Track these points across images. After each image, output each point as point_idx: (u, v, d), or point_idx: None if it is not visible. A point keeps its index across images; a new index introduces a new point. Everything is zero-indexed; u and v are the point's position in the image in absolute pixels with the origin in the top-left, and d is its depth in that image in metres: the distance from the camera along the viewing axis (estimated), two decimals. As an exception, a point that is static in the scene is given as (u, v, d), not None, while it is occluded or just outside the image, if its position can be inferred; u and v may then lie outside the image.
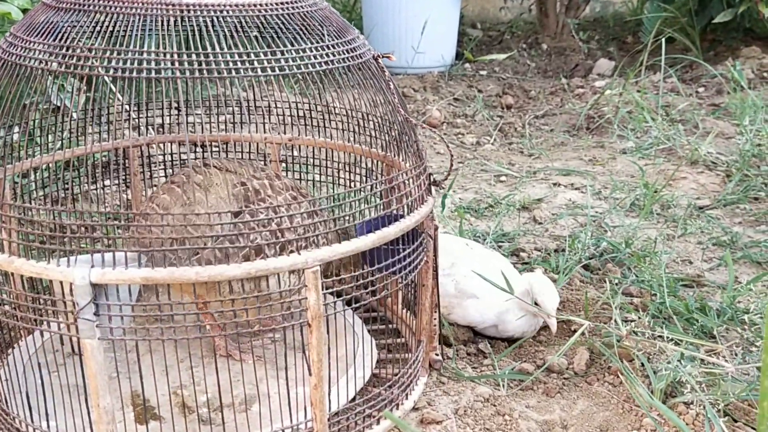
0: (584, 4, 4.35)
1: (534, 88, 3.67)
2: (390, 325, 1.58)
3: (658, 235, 2.01)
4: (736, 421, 1.29)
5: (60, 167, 1.60)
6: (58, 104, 2.04)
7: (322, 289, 1.12)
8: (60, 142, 1.58)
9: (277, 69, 1.13)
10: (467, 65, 4.03)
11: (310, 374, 1.17)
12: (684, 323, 1.55)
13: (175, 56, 1.09)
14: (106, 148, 1.61)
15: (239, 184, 1.26)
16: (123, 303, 1.09)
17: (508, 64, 4.05)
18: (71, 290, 1.07)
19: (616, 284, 1.76)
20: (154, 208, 1.28)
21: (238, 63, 1.11)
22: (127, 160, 1.65)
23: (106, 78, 1.28)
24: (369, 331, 1.52)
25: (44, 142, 1.52)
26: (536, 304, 1.48)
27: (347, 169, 1.61)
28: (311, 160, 1.63)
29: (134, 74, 1.09)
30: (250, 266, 1.09)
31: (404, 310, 1.55)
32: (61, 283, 1.08)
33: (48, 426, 1.21)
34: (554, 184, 2.41)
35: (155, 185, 1.69)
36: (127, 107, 1.66)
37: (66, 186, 1.61)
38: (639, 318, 1.47)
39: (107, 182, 1.68)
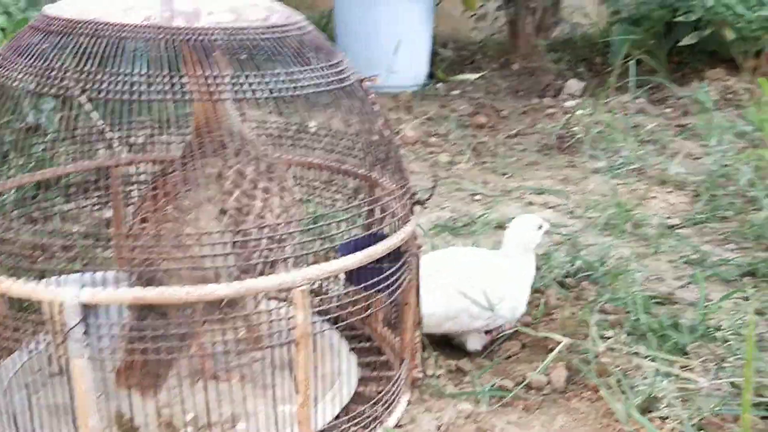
0: (555, 25, 4.42)
1: (506, 107, 3.72)
2: (370, 343, 1.60)
3: (631, 254, 2.05)
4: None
5: (40, 187, 1.60)
6: (36, 122, 2.04)
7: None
8: (36, 161, 1.58)
9: (267, 92, 1.15)
10: (439, 85, 4.08)
11: (297, 392, 1.19)
12: (658, 340, 1.58)
13: (166, 78, 1.11)
14: (87, 167, 1.62)
15: (233, 209, 1.27)
16: (112, 322, 1.10)
17: (479, 83, 4.11)
18: (59, 311, 1.08)
19: (591, 302, 1.80)
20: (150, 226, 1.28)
21: (229, 86, 1.13)
22: (108, 180, 1.66)
23: (82, 99, 1.30)
24: (350, 349, 1.54)
25: (22, 162, 1.53)
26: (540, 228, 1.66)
27: (328, 188, 1.63)
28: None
29: (125, 96, 1.10)
30: (240, 285, 1.11)
31: (385, 329, 1.57)
32: (50, 303, 1.09)
33: (35, 446, 1.22)
34: (528, 203, 2.45)
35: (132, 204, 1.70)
36: (108, 127, 1.67)
37: (45, 206, 1.61)
38: (615, 335, 1.51)
39: (87, 202, 1.69)
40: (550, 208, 2.42)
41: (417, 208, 1.36)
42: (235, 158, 1.34)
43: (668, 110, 3.54)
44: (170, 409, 1.36)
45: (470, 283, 1.59)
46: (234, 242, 1.16)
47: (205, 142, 1.30)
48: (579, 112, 3.27)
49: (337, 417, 1.34)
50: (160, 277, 1.16)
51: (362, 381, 1.47)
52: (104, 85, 1.10)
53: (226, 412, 1.36)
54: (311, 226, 1.20)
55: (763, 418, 1.38)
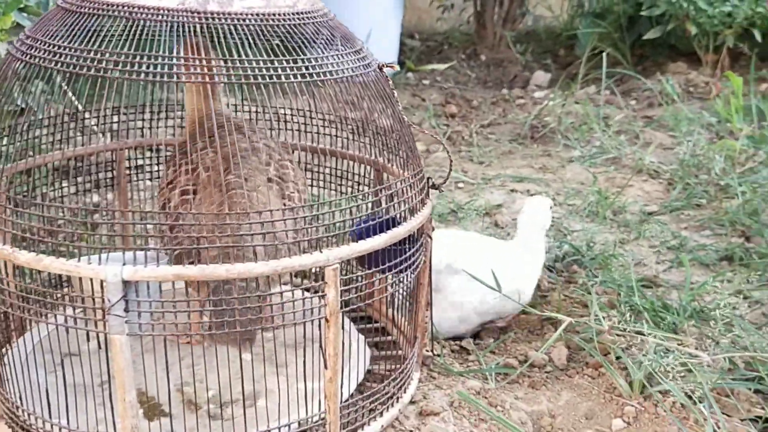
0: (521, 17, 4.50)
1: (476, 98, 3.78)
2: (376, 324, 1.65)
3: (615, 240, 2.13)
4: (710, 408, 1.40)
5: (54, 169, 1.60)
6: (23, 106, 2.03)
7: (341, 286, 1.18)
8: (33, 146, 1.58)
9: (299, 76, 1.18)
10: (410, 75, 4.13)
11: (326, 367, 1.23)
12: (652, 319, 1.66)
13: (204, 62, 1.14)
14: (95, 150, 1.63)
15: (276, 177, 1.32)
16: (153, 299, 1.13)
17: (449, 74, 4.16)
18: (102, 287, 1.10)
19: (582, 285, 1.87)
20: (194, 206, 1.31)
21: (263, 70, 1.16)
22: (114, 163, 1.67)
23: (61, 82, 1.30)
24: (358, 330, 1.59)
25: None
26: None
27: (344, 175, 1.67)
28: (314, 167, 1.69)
29: (164, 78, 1.13)
30: (277, 264, 1.14)
31: (390, 310, 1.62)
32: (91, 280, 1.11)
33: (68, 422, 1.23)
34: (511, 191, 2.52)
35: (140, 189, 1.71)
36: (125, 110, 1.68)
37: (57, 188, 1.61)
38: (615, 315, 1.57)
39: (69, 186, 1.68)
40: (532, 195, 2.49)
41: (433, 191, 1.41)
42: (255, 135, 1.39)
43: (633, 102, 3.64)
44: (191, 387, 1.39)
45: (500, 278, 1.63)
46: (292, 219, 1.21)
47: (215, 124, 1.33)
48: (551, 103, 3.34)
49: (351, 395, 1.39)
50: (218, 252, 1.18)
51: (372, 360, 1.51)
52: (143, 67, 1.12)
53: (244, 390, 1.39)
54: (335, 209, 1.24)
55: (756, 392, 1.46)
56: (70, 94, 1.93)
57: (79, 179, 1.66)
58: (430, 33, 5.09)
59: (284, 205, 1.33)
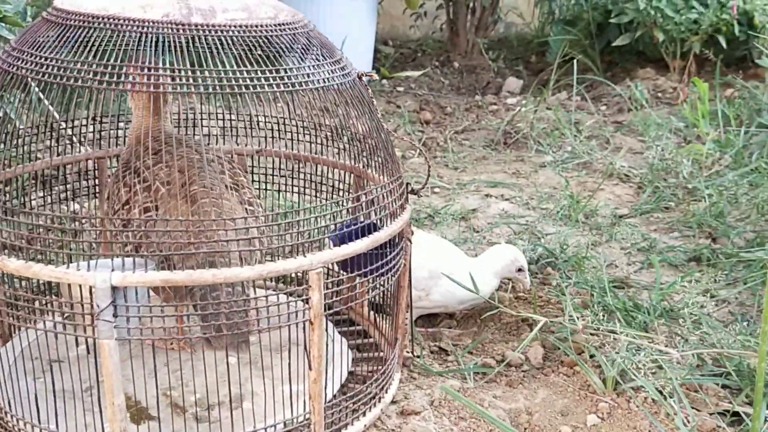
0: (493, 24, 4.57)
1: (449, 104, 3.84)
2: (356, 327, 1.68)
3: (587, 242, 2.18)
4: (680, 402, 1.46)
5: (34, 178, 1.62)
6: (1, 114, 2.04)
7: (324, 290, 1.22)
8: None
9: (282, 86, 1.22)
10: (384, 81, 4.18)
11: (310, 369, 1.26)
12: (624, 318, 1.71)
13: (189, 73, 1.17)
14: (78, 158, 1.65)
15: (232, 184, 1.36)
16: (141, 304, 1.16)
17: (423, 81, 4.22)
18: (90, 293, 1.13)
19: (556, 286, 1.92)
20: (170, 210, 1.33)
21: (247, 81, 1.20)
22: (97, 171, 1.69)
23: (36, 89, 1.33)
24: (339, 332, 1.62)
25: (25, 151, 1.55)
26: (519, 270, 1.71)
27: (324, 180, 1.71)
28: (289, 172, 1.72)
29: (152, 89, 1.16)
30: (263, 268, 1.18)
31: (371, 312, 1.65)
32: (80, 286, 1.13)
33: (57, 427, 1.26)
34: (486, 196, 2.57)
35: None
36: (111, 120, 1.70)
37: (38, 197, 1.63)
38: (588, 315, 1.63)
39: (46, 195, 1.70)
40: (506, 200, 2.54)
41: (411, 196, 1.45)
42: (200, 147, 1.43)
43: (603, 107, 3.71)
44: (176, 390, 1.42)
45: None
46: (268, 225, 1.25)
47: (160, 137, 1.37)
48: (523, 109, 3.40)
49: (334, 396, 1.42)
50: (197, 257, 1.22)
51: (353, 362, 1.55)
52: (130, 78, 1.15)
53: (229, 393, 1.42)
54: (318, 214, 1.28)
55: (724, 387, 1.52)
56: (46, 102, 1.95)
57: (60, 187, 1.68)
58: (403, 40, 5.14)
59: (245, 210, 1.37)
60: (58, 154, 1.68)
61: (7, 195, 1.53)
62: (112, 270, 1.13)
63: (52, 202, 1.63)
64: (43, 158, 1.60)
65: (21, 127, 1.65)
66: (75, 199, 1.69)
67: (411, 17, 4.78)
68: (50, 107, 2.03)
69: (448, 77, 4.34)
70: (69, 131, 1.68)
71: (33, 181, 1.67)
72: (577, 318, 1.60)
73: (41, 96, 1.75)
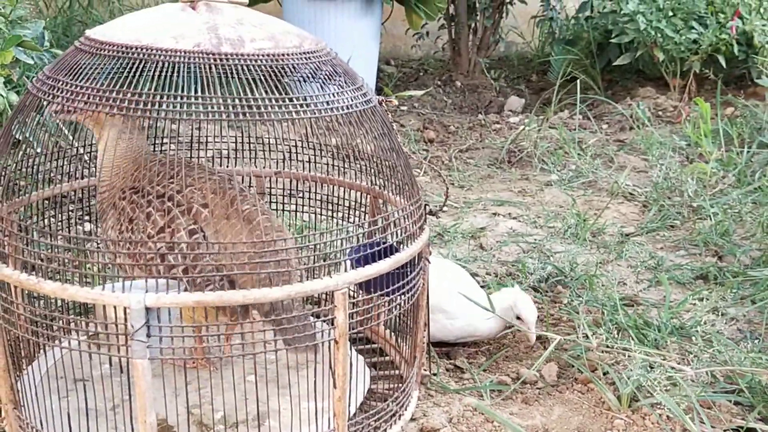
0: (494, 44, 4.62)
1: (452, 123, 3.88)
2: (373, 345, 1.71)
3: (596, 261, 2.22)
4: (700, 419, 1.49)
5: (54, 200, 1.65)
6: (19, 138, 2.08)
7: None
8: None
9: (308, 112, 1.26)
10: (388, 101, 4.22)
11: (335, 387, 1.29)
12: (635, 336, 1.75)
13: (220, 101, 1.21)
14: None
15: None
16: (173, 325, 1.19)
17: (426, 100, 4.27)
18: (125, 314, 1.16)
19: (567, 304, 1.96)
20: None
21: (276, 107, 1.24)
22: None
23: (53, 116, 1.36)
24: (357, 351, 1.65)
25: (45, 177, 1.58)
26: (518, 318, 1.65)
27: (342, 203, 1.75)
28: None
29: (184, 117, 1.20)
30: (291, 289, 1.21)
31: (389, 331, 1.69)
32: (114, 307, 1.17)
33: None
34: (494, 214, 2.61)
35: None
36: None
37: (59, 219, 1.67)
38: (601, 333, 1.66)
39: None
40: (513, 218, 2.58)
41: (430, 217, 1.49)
42: (212, 168, 1.49)
43: (605, 126, 3.76)
44: (200, 409, 1.45)
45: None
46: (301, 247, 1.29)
47: (164, 159, 1.43)
48: (527, 128, 3.45)
49: (354, 414, 1.45)
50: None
51: (372, 380, 1.58)
52: (164, 106, 1.19)
53: (252, 411, 1.45)
54: (343, 236, 1.31)
55: (736, 403, 1.55)
56: (62, 126, 1.99)
57: (72, 207, 1.71)
58: (405, 60, 5.20)
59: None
60: (77, 178, 1.71)
61: (34, 217, 1.56)
62: (146, 291, 1.16)
63: (70, 225, 1.66)
64: (61, 180, 1.64)
65: (40, 150, 1.69)
66: (86, 220, 1.73)
67: (413, 37, 4.84)
68: (64, 129, 2.08)
69: (450, 96, 4.39)
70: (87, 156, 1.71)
71: (53, 203, 1.70)
72: (591, 335, 1.63)
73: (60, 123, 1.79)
